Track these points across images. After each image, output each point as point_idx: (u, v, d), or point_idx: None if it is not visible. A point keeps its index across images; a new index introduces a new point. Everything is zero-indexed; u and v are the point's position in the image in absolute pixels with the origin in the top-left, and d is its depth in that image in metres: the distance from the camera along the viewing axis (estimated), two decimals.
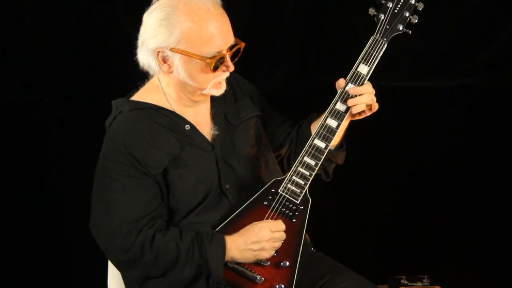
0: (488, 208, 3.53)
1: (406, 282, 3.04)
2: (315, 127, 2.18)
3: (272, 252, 2.07)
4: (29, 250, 3.32)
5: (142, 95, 2.18)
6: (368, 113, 2.16)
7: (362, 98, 2.09)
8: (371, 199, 3.51)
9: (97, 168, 2.13)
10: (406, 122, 3.49)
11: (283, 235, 2.08)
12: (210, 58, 2.00)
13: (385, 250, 3.51)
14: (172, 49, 2.01)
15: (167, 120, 2.13)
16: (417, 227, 3.52)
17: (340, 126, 2.12)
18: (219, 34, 2.00)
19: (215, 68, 2.03)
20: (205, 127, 2.19)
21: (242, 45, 2.08)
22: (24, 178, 3.28)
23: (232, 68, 2.07)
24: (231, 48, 2.05)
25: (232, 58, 2.07)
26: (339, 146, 2.27)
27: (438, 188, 3.53)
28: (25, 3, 3.12)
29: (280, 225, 2.08)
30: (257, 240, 2.04)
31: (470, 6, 3.39)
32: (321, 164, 2.18)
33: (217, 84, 2.09)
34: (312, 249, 2.37)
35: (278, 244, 2.08)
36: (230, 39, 2.04)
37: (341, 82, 2.11)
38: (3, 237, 3.30)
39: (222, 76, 2.09)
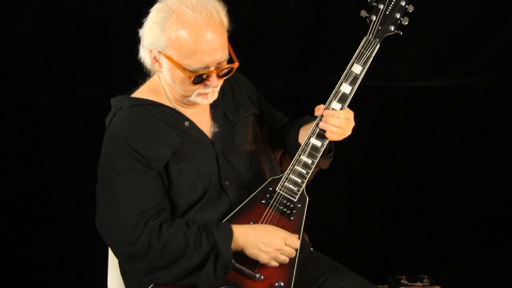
0: (488, 208, 3.53)
1: (406, 282, 3.05)
2: (305, 130, 2.20)
3: (273, 262, 2.07)
4: (29, 249, 3.32)
5: (142, 93, 2.20)
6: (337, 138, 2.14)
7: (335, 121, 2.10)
8: (371, 199, 3.51)
9: (99, 165, 2.13)
10: (406, 122, 3.49)
11: (292, 252, 2.08)
12: (192, 71, 2.00)
13: (385, 250, 3.51)
14: (160, 52, 2.03)
15: (167, 116, 2.14)
16: (417, 227, 3.52)
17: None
18: (205, 50, 1.98)
19: (195, 82, 2.03)
20: (205, 124, 2.20)
21: (235, 65, 2.07)
22: (24, 178, 3.28)
23: (216, 85, 2.06)
24: (220, 65, 2.03)
25: (224, 74, 2.07)
26: (327, 151, 2.23)
27: (437, 188, 3.53)
28: (25, 3, 3.12)
29: (296, 242, 2.09)
30: (268, 243, 2.05)
31: (470, 6, 3.39)
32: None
33: (202, 94, 2.09)
34: (312, 249, 2.37)
35: (283, 258, 2.08)
36: (221, 56, 2.02)
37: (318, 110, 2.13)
38: (2, 237, 3.30)
39: (206, 89, 2.08)
